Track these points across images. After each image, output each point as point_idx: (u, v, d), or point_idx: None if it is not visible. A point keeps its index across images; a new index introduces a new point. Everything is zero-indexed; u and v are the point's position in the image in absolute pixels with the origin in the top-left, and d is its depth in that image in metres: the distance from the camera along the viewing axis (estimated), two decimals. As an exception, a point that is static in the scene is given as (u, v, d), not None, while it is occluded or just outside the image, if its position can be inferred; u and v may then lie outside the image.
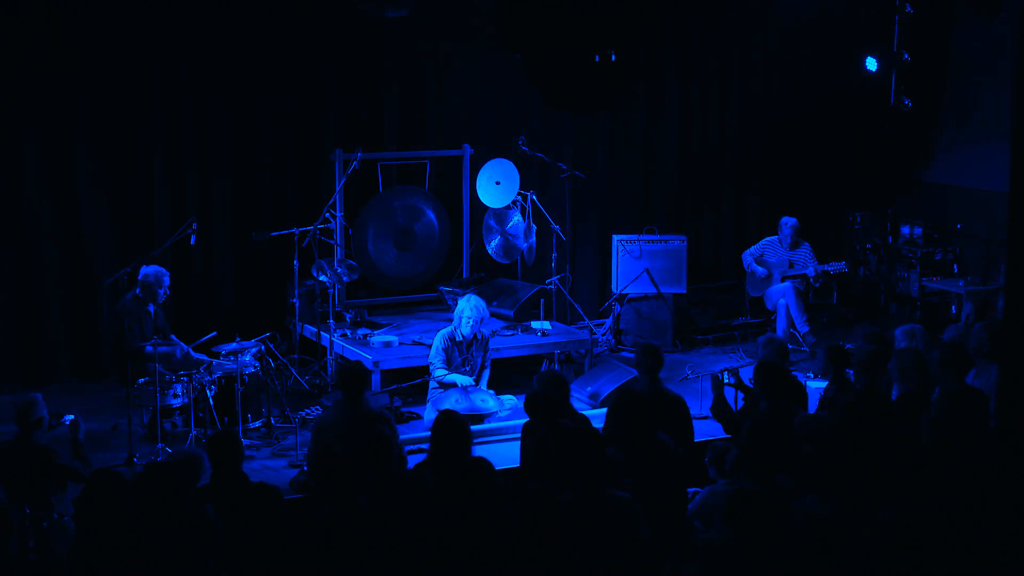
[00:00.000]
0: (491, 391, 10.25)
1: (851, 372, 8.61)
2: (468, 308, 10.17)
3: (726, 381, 8.62)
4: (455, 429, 6.74)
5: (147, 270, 10.13)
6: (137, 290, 10.10)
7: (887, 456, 7.34)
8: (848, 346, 10.16)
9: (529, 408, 7.74)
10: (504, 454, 8.36)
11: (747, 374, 9.13)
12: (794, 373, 9.02)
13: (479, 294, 10.84)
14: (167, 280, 10.19)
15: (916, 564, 6.05)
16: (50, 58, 11.10)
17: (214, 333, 10.00)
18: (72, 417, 8.13)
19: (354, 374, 8.08)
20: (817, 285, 12.75)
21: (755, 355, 11.23)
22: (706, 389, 9.17)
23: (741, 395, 8.87)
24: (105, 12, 11.22)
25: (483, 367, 10.37)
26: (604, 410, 9.79)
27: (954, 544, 6.16)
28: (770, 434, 7.50)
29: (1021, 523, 6.02)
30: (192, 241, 10.52)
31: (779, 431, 7.54)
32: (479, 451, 7.64)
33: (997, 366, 8.11)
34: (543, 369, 11.26)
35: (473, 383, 10.12)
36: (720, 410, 8.36)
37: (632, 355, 12.06)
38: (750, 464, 7.22)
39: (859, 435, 7.41)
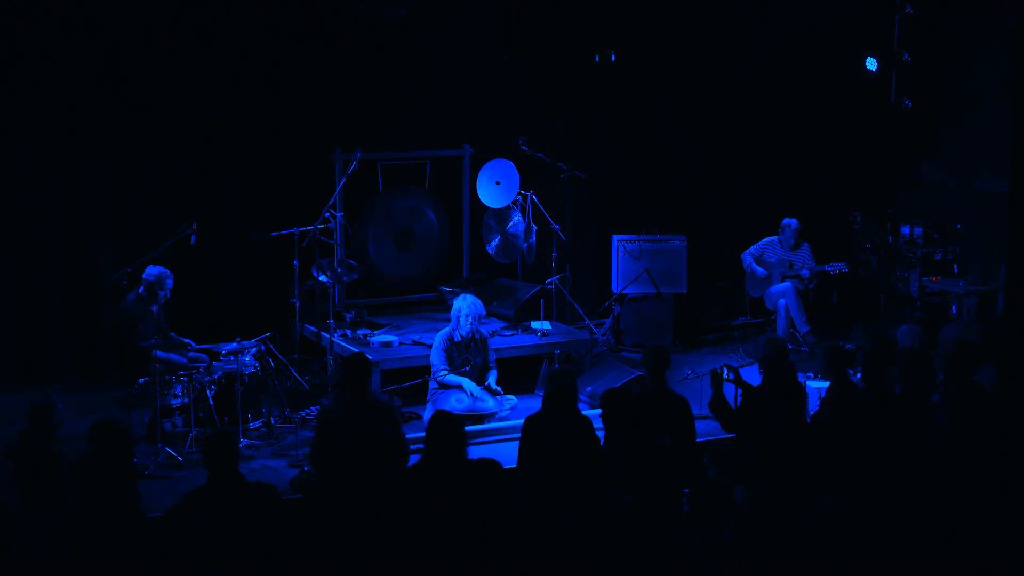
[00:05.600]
0: (499, 387, 10.26)
1: (851, 371, 8.62)
2: (465, 306, 10.19)
3: (725, 377, 8.62)
4: (450, 429, 6.74)
5: (151, 270, 10.13)
6: (140, 289, 10.10)
7: (890, 454, 7.36)
8: (848, 346, 10.18)
9: (548, 402, 7.72)
10: (504, 454, 8.37)
11: (747, 373, 9.14)
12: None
13: (478, 294, 10.84)
14: (170, 283, 10.19)
15: (917, 562, 6.07)
16: (51, 58, 11.10)
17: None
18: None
19: (356, 364, 8.07)
20: (812, 286, 12.74)
21: (755, 355, 11.26)
22: (706, 389, 9.17)
23: (740, 392, 8.87)
24: (105, 12, 11.23)
25: (487, 367, 10.38)
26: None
27: (955, 542, 6.18)
28: (778, 436, 7.51)
29: (1021, 522, 6.03)
30: (192, 241, 10.53)
31: (787, 432, 7.55)
32: (479, 451, 7.66)
33: (994, 368, 8.11)
34: (543, 369, 11.28)
35: (480, 391, 10.10)
36: (718, 406, 8.37)
37: (632, 355, 12.11)
38: (757, 465, 7.24)
39: (868, 433, 7.43)
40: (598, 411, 9.66)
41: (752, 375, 9.09)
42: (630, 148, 13.82)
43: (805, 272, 12.50)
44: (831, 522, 5.86)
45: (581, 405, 9.97)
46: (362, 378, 8.00)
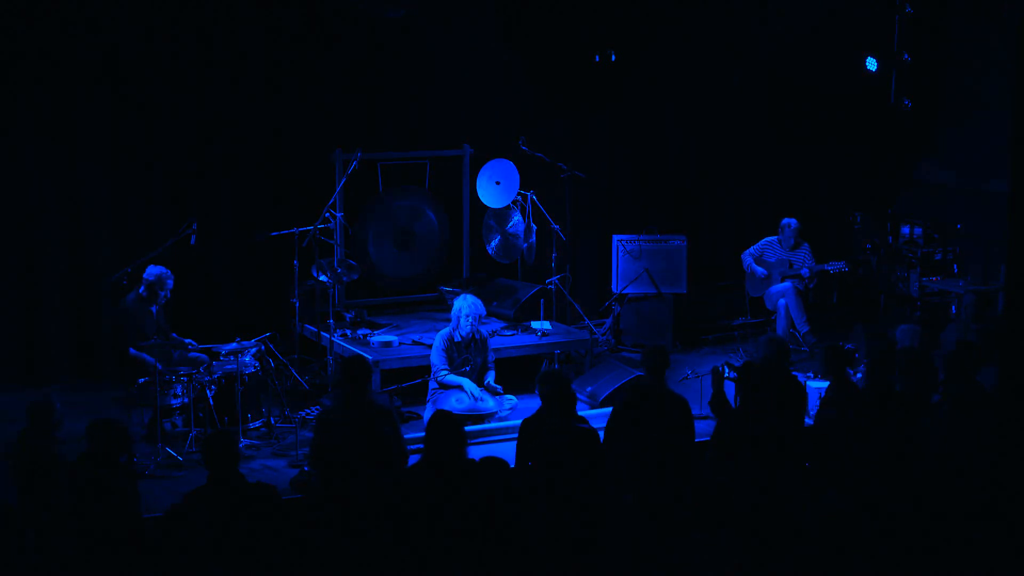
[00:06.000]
0: (499, 386, 10.27)
1: (851, 371, 8.61)
2: (466, 306, 10.19)
3: (726, 375, 8.63)
4: (450, 429, 6.75)
5: (152, 270, 10.13)
6: (141, 289, 10.10)
7: (890, 454, 7.36)
8: (848, 346, 10.18)
9: (547, 403, 7.71)
10: (504, 454, 8.35)
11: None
12: (794, 373, 9.03)
13: (479, 294, 10.84)
14: (171, 283, 10.19)
15: (917, 562, 6.07)
16: (51, 58, 11.10)
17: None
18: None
19: (357, 366, 8.09)
20: (812, 286, 12.75)
21: (754, 355, 11.26)
22: (706, 389, 9.18)
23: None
24: (105, 12, 11.23)
25: (486, 368, 10.38)
26: (603, 410, 9.86)
27: (955, 542, 6.18)
28: (778, 435, 7.52)
29: (1021, 522, 6.03)
30: (192, 241, 10.52)
31: (787, 432, 7.56)
32: (479, 451, 7.65)
33: (995, 368, 8.11)
34: (543, 368, 11.27)
35: (480, 392, 10.12)
36: (719, 404, 8.38)
37: (632, 355, 12.11)
38: (757, 465, 7.25)
39: (868, 433, 7.43)
40: (599, 411, 9.70)
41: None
42: (630, 148, 13.82)
43: (805, 272, 12.51)
44: (831, 522, 5.86)
45: (581, 405, 9.99)
46: (362, 380, 8.00)
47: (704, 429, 9.11)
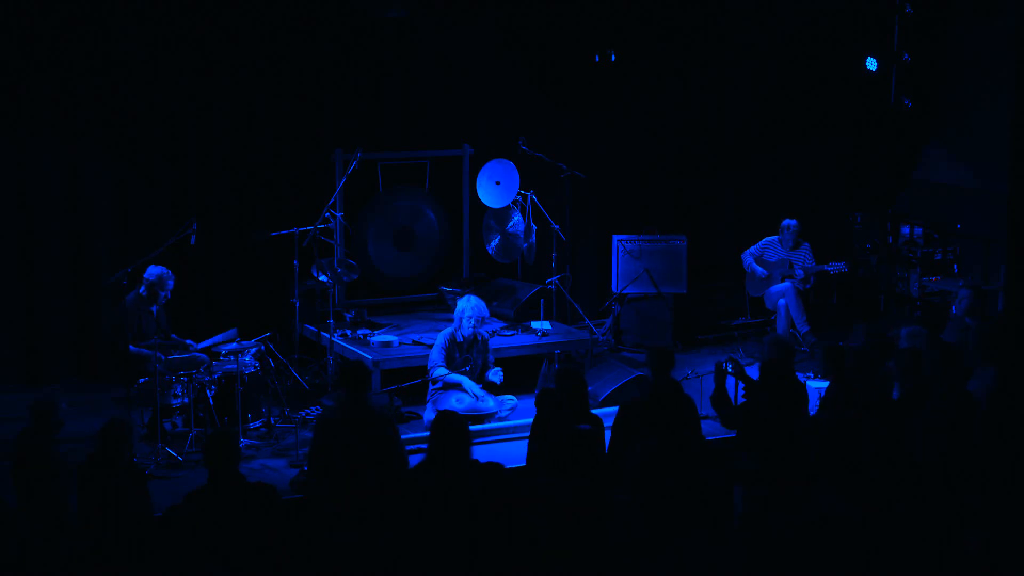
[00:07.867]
0: (499, 369, 10.26)
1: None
2: (469, 308, 10.19)
3: (728, 370, 8.63)
4: (454, 430, 6.75)
5: (153, 270, 10.13)
6: (141, 289, 10.11)
7: (890, 454, 7.37)
8: (848, 346, 10.19)
9: (565, 401, 7.72)
10: (504, 454, 8.37)
11: (751, 372, 9.15)
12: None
13: (479, 294, 10.84)
14: (171, 283, 10.20)
15: (917, 562, 6.08)
16: (51, 58, 11.10)
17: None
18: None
19: (356, 371, 8.10)
20: (807, 287, 12.74)
21: (755, 355, 11.26)
22: (707, 389, 9.18)
23: (741, 385, 8.88)
24: (107, 13, 11.23)
25: (487, 368, 10.37)
26: (604, 409, 9.87)
27: (955, 542, 6.19)
28: (778, 436, 7.52)
29: (1016, 521, 6.04)
30: (192, 241, 10.52)
31: (787, 432, 7.55)
32: (479, 451, 7.65)
33: (993, 369, 8.11)
34: (543, 368, 11.27)
35: (480, 390, 10.12)
36: (719, 400, 8.39)
37: (632, 355, 12.11)
38: (757, 465, 7.25)
39: (868, 433, 7.44)
40: (600, 411, 9.70)
41: (756, 374, 9.10)
42: (630, 148, 13.81)
43: (800, 272, 12.50)
44: (831, 522, 5.87)
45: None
46: (361, 385, 8.01)
47: (705, 429, 9.12)
